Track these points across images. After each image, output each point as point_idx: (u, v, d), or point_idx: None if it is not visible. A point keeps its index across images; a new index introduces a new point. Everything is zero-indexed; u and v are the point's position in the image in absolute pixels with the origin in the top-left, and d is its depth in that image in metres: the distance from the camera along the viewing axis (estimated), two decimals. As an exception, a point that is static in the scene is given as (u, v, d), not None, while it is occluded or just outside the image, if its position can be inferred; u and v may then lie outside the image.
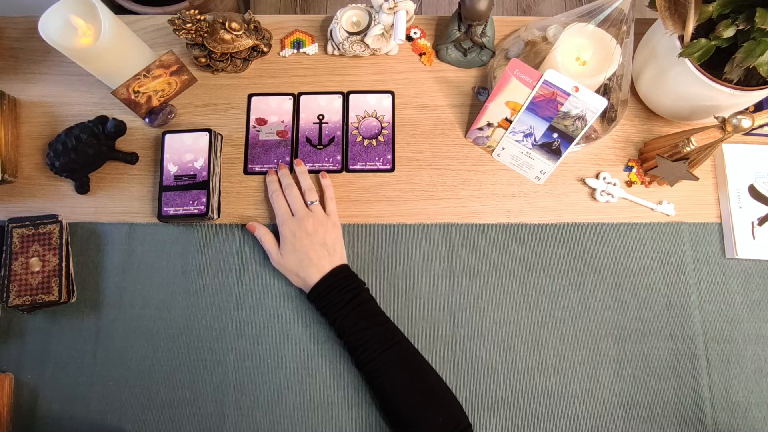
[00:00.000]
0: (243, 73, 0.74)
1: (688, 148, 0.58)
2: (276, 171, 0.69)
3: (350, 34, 0.70)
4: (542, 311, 0.66)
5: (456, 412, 0.57)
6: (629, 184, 0.70)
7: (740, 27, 0.54)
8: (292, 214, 0.64)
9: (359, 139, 0.71)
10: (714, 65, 0.57)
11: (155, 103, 0.69)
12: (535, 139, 0.66)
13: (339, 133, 0.71)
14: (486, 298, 0.66)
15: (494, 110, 0.65)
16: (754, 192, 0.68)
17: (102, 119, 0.68)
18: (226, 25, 0.68)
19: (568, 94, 0.60)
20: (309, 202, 0.65)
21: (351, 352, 0.60)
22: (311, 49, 0.75)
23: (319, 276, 0.61)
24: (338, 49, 0.73)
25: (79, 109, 0.72)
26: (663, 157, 0.62)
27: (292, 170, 0.70)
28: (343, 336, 0.60)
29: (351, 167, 0.70)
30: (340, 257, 0.63)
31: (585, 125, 0.62)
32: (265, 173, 0.70)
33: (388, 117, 0.72)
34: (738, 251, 0.66)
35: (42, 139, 0.71)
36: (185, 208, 0.65)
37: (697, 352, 0.65)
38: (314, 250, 0.62)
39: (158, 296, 0.66)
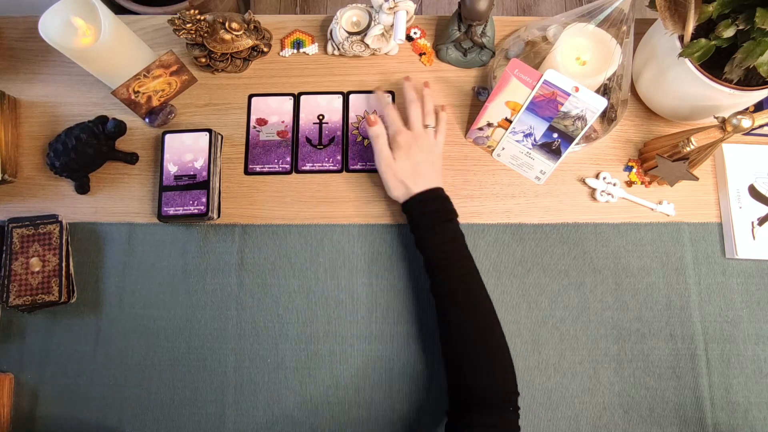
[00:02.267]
0: (243, 73, 0.74)
1: (688, 148, 0.58)
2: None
3: (350, 34, 0.70)
4: (542, 311, 0.66)
5: (510, 376, 0.57)
6: (629, 184, 0.70)
7: (740, 27, 0.54)
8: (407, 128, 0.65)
9: (359, 139, 0.71)
10: (714, 65, 0.57)
11: (155, 103, 0.69)
12: (535, 139, 0.66)
13: (339, 133, 0.71)
14: (486, 298, 0.66)
15: (494, 110, 0.65)
16: (754, 192, 0.68)
17: (102, 119, 0.68)
18: (226, 25, 0.68)
19: (568, 94, 0.60)
20: (427, 124, 0.65)
21: (428, 270, 0.60)
22: (311, 49, 0.75)
23: (425, 187, 0.62)
24: (338, 49, 0.73)
25: (79, 109, 0.72)
26: (663, 157, 0.62)
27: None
28: (426, 252, 0.60)
29: (351, 167, 0.70)
30: (441, 180, 0.64)
31: (585, 125, 0.62)
32: (266, 174, 0.70)
33: (388, 117, 0.72)
34: (738, 251, 0.66)
35: (42, 139, 0.71)
36: (185, 208, 0.65)
37: (697, 352, 0.65)
38: (424, 165, 0.63)
39: (158, 296, 0.66)
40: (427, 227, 0.60)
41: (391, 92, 0.73)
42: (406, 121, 0.65)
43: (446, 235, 0.60)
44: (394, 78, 0.74)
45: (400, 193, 0.63)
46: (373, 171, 0.70)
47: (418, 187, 0.62)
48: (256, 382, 0.64)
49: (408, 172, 0.62)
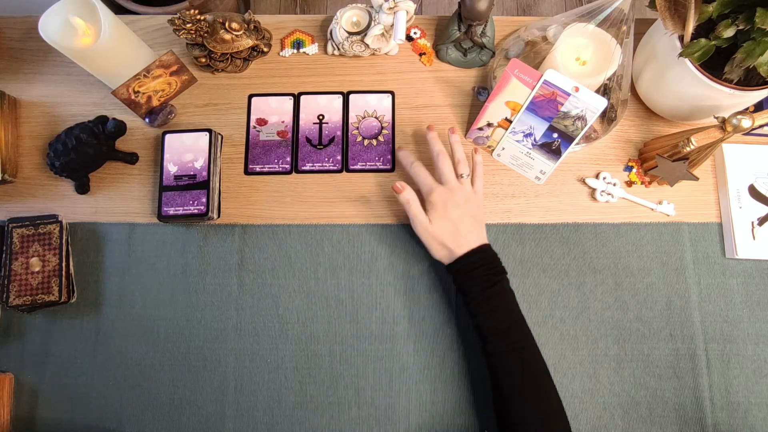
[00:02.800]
0: (243, 73, 0.74)
1: (688, 148, 0.58)
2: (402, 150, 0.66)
3: (350, 34, 0.70)
4: (542, 311, 0.66)
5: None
6: (629, 184, 0.70)
7: (740, 27, 0.54)
8: (441, 183, 0.62)
9: (359, 139, 0.71)
10: (714, 65, 0.57)
11: (155, 103, 0.69)
12: (535, 139, 0.66)
13: (339, 133, 0.71)
14: (486, 298, 0.66)
15: (494, 110, 0.65)
16: (754, 192, 0.68)
17: (102, 119, 0.68)
18: (226, 25, 0.68)
19: (568, 94, 0.60)
20: (460, 175, 0.62)
21: (480, 337, 0.58)
22: (311, 49, 0.75)
23: (468, 248, 0.59)
24: (338, 49, 0.73)
25: (79, 109, 0.72)
26: (663, 157, 0.62)
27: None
28: (477, 317, 0.58)
29: (351, 167, 0.70)
30: (485, 234, 0.61)
31: (585, 125, 0.62)
32: (266, 174, 0.70)
33: (388, 117, 0.72)
34: (738, 251, 0.66)
35: (42, 139, 0.71)
36: (185, 208, 0.65)
37: (697, 352, 0.65)
38: (464, 222, 0.60)
39: (158, 296, 0.66)
40: (476, 293, 0.57)
41: (391, 92, 0.73)
42: (438, 177, 0.62)
43: (496, 302, 0.58)
44: (394, 78, 0.74)
45: (442, 255, 0.60)
46: (373, 171, 0.70)
47: (460, 249, 0.59)
48: (256, 382, 0.64)
49: (448, 233, 0.59)
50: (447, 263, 0.60)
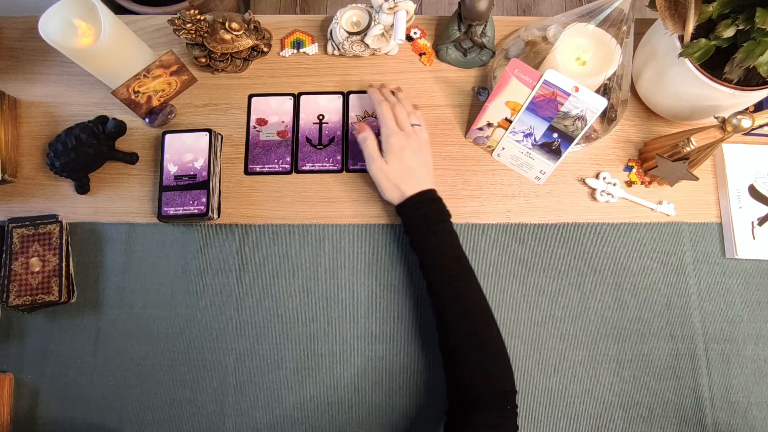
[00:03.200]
0: (243, 73, 0.74)
1: (688, 148, 0.58)
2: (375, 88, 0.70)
3: (350, 34, 0.70)
4: (542, 311, 0.66)
5: (508, 375, 0.57)
6: (629, 184, 0.70)
7: (740, 27, 0.54)
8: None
9: (359, 139, 0.71)
10: (714, 65, 0.57)
11: (155, 103, 0.69)
12: (535, 139, 0.66)
13: (339, 133, 0.71)
14: (486, 298, 0.66)
15: (494, 110, 0.65)
16: (754, 192, 0.68)
17: (102, 119, 0.68)
18: (226, 25, 0.68)
19: (568, 94, 0.60)
20: (413, 123, 0.65)
21: (424, 272, 0.61)
22: (311, 49, 0.75)
23: (418, 189, 0.62)
24: (338, 49, 0.73)
25: (79, 109, 0.72)
26: (663, 157, 0.62)
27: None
28: (422, 253, 0.61)
29: (351, 167, 0.70)
30: (433, 181, 0.65)
31: (585, 125, 0.62)
32: (266, 174, 0.70)
33: (388, 117, 0.72)
34: (738, 251, 0.66)
35: (42, 139, 0.71)
36: (185, 208, 0.65)
37: (697, 352, 0.65)
38: (418, 166, 0.63)
39: (158, 296, 0.66)
40: (422, 229, 0.61)
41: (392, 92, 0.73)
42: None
43: (440, 237, 0.60)
44: (394, 78, 0.74)
45: (393, 196, 0.63)
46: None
47: (412, 189, 0.62)
48: (256, 382, 0.64)
49: (401, 175, 0.62)
50: (397, 203, 0.63)
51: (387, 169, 0.63)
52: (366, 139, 0.64)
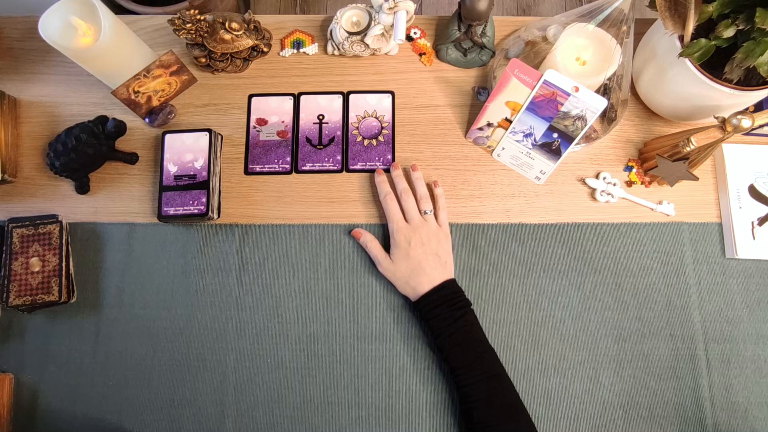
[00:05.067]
0: (243, 73, 0.74)
1: (688, 148, 0.58)
2: (383, 170, 0.68)
3: (350, 34, 0.70)
4: (542, 311, 0.66)
5: None
6: (629, 184, 0.70)
7: (740, 27, 0.54)
8: (406, 221, 0.64)
9: (359, 139, 0.71)
10: (714, 65, 0.57)
11: (155, 103, 0.69)
12: (535, 139, 0.66)
13: (339, 133, 0.71)
14: (486, 298, 0.66)
15: (494, 110, 0.65)
16: (754, 192, 0.68)
17: (102, 119, 0.68)
18: (226, 25, 0.68)
19: (568, 94, 0.60)
20: (423, 212, 0.64)
21: (450, 371, 0.60)
22: (311, 49, 0.75)
23: (430, 286, 0.61)
24: (338, 49, 0.73)
25: (79, 109, 0.72)
26: (663, 157, 0.62)
27: (387, 171, 0.69)
28: (444, 352, 0.59)
29: (351, 167, 0.70)
30: (449, 270, 0.63)
31: (585, 125, 0.62)
32: (266, 174, 0.70)
33: (388, 117, 0.72)
34: (738, 251, 0.66)
35: (42, 139, 0.71)
36: (185, 208, 0.65)
37: (697, 352, 0.65)
38: (427, 260, 0.61)
39: (158, 296, 0.66)
40: (440, 329, 0.59)
41: (391, 92, 0.73)
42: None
43: (461, 335, 0.59)
44: (394, 78, 0.74)
45: (407, 293, 0.63)
46: (373, 171, 0.70)
47: (422, 287, 0.61)
48: (256, 382, 0.64)
49: (410, 273, 0.61)
50: (413, 300, 0.62)
51: (395, 269, 0.62)
52: (367, 243, 0.65)
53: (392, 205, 0.64)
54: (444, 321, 0.59)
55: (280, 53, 0.75)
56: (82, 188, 0.68)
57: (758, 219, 0.67)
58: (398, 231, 0.63)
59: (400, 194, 0.65)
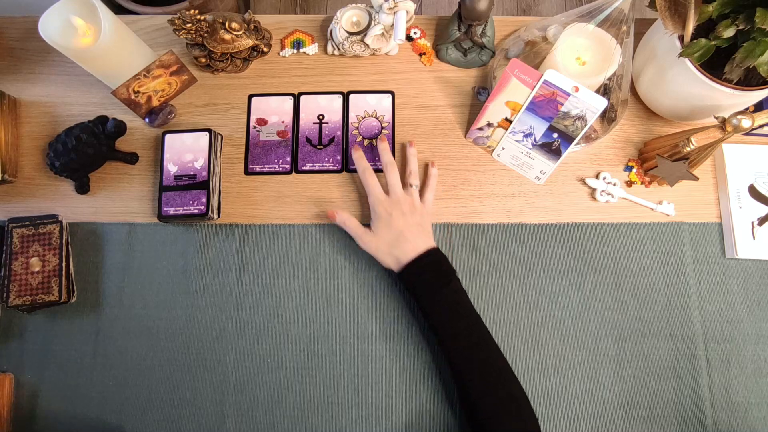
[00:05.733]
0: (243, 73, 0.74)
1: (688, 148, 0.58)
2: (360, 146, 0.67)
3: (350, 34, 0.70)
4: (542, 311, 0.66)
5: (533, 424, 0.56)
6: (629, 184, 0.70)
7: (740, 27, 0.54)
8: (387, 195, 0.63)
9: (359, 139, 0.71)
10: (714, 65, 0.57)
11: (155, 103, 0.69)
12: (535, 139, 0.66)
13: (339, 133, 0.71)
14: (486, 298, 0.66)
15: (494, 110, 0.65)
16: (754, 192, 0.68)
17: (102, 119, 0.68)
18: (226, 25, 0.68)
19: (568, 94, 0.60)
20: (409, 185, 0.63)
21: (436, 338, 0.59)
22: (311, 49, 0.75)
23: (415, 253, 0.59)
24: (338, 49, 0.73)
25: (79, 109, 0.72)
26: (663, 157, 0.62)
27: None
28: (431, 319, 0.59)
29: (351, 167, 0.70)
30: (432, 239, 0.62)
31: (585, 125, 0.62)
32: (266, 174, 0.70)
33: (388, 117, 0.72)
34: (738, 251, 0.66)
35: (42, 139, 0.71)
36: (185, 208, 0.65)
37: (697, 352, 0.65)
38: (410, 229, 0.60)
39: (158, 296, 0.66)
40: (427, 297, 0.58)
41: (391, 92, 0.73)
42: (385, 187, 0.64)
43: (447, 302, 0.58)
44: (394, 78, 0.74)
45: (391, 263, 0.61)
46: (373, 171, 0.70)
47: (407, 255, 0.59)
48: (256, 382, 0.64)
49: (393, 242, 0.60)
50: (397, 271, 0.61)
51: (377, 241, 0.61)
52: (344, 221, 0.63)
53: (371, 179, 0.63)
54: (431, 288, 0.58)
55: (280, 53, 0.75)
56: (82, 188, 0.68)
57: (758, 219, 0.67)
58: (378, 203, 0.62)
59: (385, 167, 0.64)
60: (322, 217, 0.69)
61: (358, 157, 0.66)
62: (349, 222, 0.63)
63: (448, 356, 0.58)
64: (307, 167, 0.70)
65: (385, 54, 0.74)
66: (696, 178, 0.63)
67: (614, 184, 0.69)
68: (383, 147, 0.66)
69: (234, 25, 0.68)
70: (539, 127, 0.64)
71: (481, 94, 0.72)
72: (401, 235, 0.60)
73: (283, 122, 0.72)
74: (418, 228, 0.61)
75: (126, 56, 0.67)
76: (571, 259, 0.67)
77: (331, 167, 0.70)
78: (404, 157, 0.68)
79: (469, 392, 0.57)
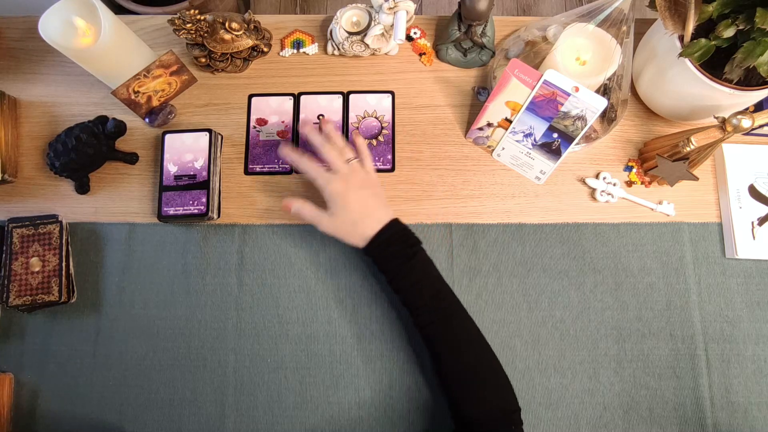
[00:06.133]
0: (243, 73, 0.74)
1: (688, 148, 0.58)
2: (290, 138, 0.65)
3: (350, 34, 0.70)
4: (542, 311, 0.66)
5: (509, 395, 0.56)
6: (629, 184, 0.70)
7: (740, 27, 0.54)
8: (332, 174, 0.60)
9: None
10: (714, 65, 0.57)
11: (155, 103, 0.69)
12: (535, 139, 0.66)
13: (339, 133, 0.71)
14: (486, 298, 0.66)
15: (494, 110, 0.65)
16: (754, 192, 0.68)
17: (102, 119, 0.68)
18: (226, 25, 0.68)
19: (568, 94, 0.60)
20: (347, 160, 0.61)
21: (409, 311, 0.59)
22: (311, 49, 0.75)
23: (380, 225, 0.58)
24: (338, 49, 0.73)
25: (79, 109, 0.72)
26: (663, 157, 0.62)
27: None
28: (401, 293, 0.58)
29: (351, 167, 0.70)
30: (391, 210, 0.61)
31: (585, 125, 0.62)
32: (266, 174, 0.70)
33: (388, 117, 0.72)
34: (738, 251, 0.66)
35: (42, 139, 0.71)
36: (185, 208, 0.65)
37: (697, 352, 0.65)
38: (368, 203, 0.59)
39: (158, 296, 0.66)
40: (396, 269, 0.58)
41: (391, 92, 0.73)
42: (327, 168, 0.61)
43: (417, 273, 0.58)
44: (394, 78, 0.74)
45: (356, 241, 0.59)
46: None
47: (371, 228, 0.58)
48: (256, 382, 0.64)
49: (354, 219, 0.58)
50: (362, 246, 0.59)
51: (337, 221, 0.59)
52: (300, 209, 0.60)
53: (309, 164, 0.60)
54: (399, 259, 0.57)
55: (280, 53, 0.75)
56: (82, 188, 0.68)
57: (758, 219, 0.67)
58: (328, 184, 0.59)
59: (320, 147, 0.61)
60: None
61: (286, 153, 0.62)
62: (303, 209, 0.60)
63: (420, 326, 0.58)
64: (307, 167, 0.70)
65: (385, 54, 0.74)
66: (696, 178, 0.63)
67: (614, 184, 0.69)
68: (308, 130, 0.62)
69: (234, 25, 0.68)
70: (539, 127, 0.64)
71: (481, 94, 0.72)
72: (362, 210, 0.58)
73: (283, 122, 0.72)
74: (375, 199, 0.60)
75: (126, 56, 0.67)
76: (571, 259, 0.67)
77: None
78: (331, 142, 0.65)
79: (440, 360, 0.57)
